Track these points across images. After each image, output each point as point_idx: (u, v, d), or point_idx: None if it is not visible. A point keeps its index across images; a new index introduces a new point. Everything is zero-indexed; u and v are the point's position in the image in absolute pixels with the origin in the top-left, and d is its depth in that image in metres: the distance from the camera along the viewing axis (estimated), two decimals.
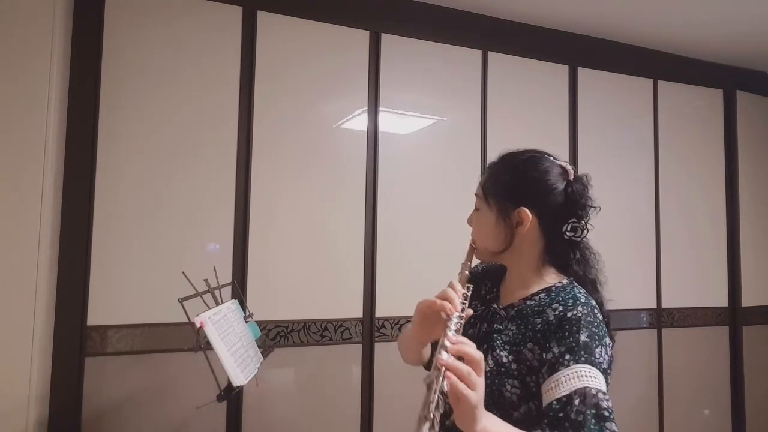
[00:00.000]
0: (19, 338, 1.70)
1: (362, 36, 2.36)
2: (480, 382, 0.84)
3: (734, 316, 3.07)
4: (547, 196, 1.06)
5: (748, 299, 3.07)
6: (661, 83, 2.99)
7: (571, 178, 1.08)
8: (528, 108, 2.67)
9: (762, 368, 3.10)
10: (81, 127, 1.93)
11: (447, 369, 0.82)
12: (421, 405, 0.80)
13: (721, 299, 3.05)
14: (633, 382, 2.81)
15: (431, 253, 2.39)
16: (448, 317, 0.93)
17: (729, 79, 3.17)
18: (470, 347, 0.86)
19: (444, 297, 0.97)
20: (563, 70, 2.77)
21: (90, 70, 1.94)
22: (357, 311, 2.28)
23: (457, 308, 0.96)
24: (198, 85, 2.08)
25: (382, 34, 2.38)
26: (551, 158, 1.11)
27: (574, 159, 2.75)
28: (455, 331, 0.91)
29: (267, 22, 2.20)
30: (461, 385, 0.81)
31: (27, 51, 1.76)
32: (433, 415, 0.78)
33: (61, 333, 1.86)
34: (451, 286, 0.99)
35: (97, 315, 1.90)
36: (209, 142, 2.09)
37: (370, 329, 2.30)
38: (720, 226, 3.08)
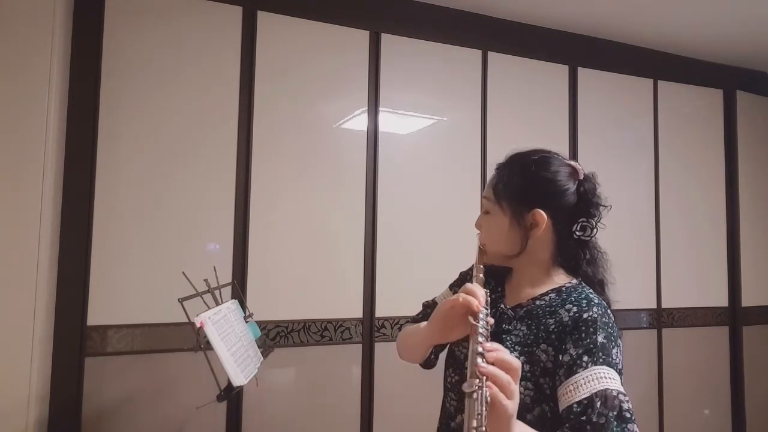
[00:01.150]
0: (19, 338, 1.70)
1: (362, 36, 2.36)
2: (517, 391, 0.82)
3: (734, 316, 3.06)
4: (560, 196, 1.05)
5: (748, 299, 3.07)
6: (661, 83, 2.99)
7: (581, 177, 1.08)
8: (528, 108, 2.67)
9: (762, 368, 3.10)
10: (81, 127, 1.93)
11: (489, 378, 0.79)
12: (466, 416, 0.77)
13: (721, 299, 3.05)
14: (633, 382, 2.81)
15: (431, 253, 2.39)
16: (476, 320, 0.89)
17: (729, 79, 3.17)
18: (507, 354, 0.83)
19: (468, 292, 0.93)
20: (563, 70, 2.77)
21: (90, 70, 1.94)
22: (357, 311, 2.28)
23: (482, 303, 0.92)
24: (198, 85, 2.08)
25: (382, 34, 2.38)
26: (560, 158, 1.10)
27: (574, 159, 2.74)
28: (485, 336, 0.87)
29: (267, 22, 2.20)
30: (501, 395, 0.79)
31: (27, 51, 1.76)
32: (485, 428, 0.75)
33: (61, 333, 1.86)
34: (469, 288, 0.94)
35: (97, 315, 1.90)
36: (209, 142, 2.09)
37: (370, 329, 2.30)
38: (720, 226, 3.08)
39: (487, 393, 0.78)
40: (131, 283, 1.95)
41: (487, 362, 0.81)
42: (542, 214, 1.03)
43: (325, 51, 2.29)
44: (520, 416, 0.93)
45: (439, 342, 1.07)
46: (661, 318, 2.89)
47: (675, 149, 3.00)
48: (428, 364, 1.23)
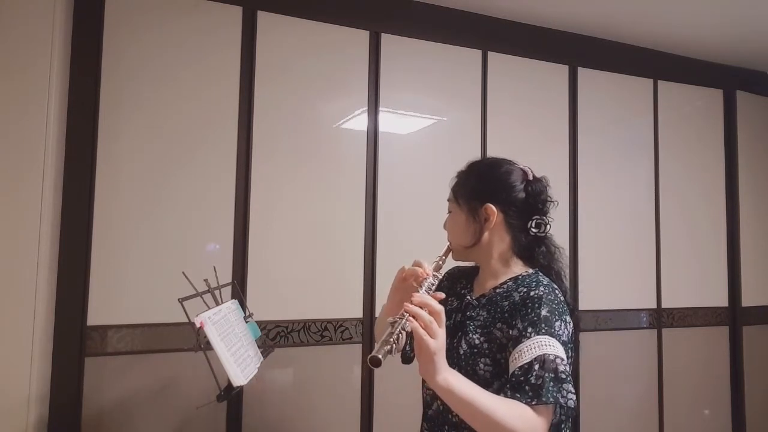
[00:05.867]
0: (19, 338, 1.70)
1: (362, 36, 2.36)
2: (440, 333, 0.95)
3: (734, 316, 3.06)
4: (509, 192, 1.19)
5: (748, 299, 3.07)
6: (661, 83, 2.99)
7: (531, 178, 1.21)
8: (528, 108, 2.66)
9: (762, 368, 3.10)
10: (81, 126, 1.93)
11: (411, 315, 0.94)
12: (384, 335, 0.92)
13: (721, 299, 3.05)
14: (633, 382, 2.81)
15: (431, 253, 2.37)
16: (419, 284, 1.08)
17: (729, 79, 3.17)
18: (430, 299, 0.98)
19: (415, 265, 1.14)
20: (563, 70, 2.77)
21: (90, 70, 1.94)
22: (357, 311, 2.28)
23: (428, 273, 1.11)
24: (198, 85, 2.08)
25: (382, 34, 2.38)
26: (512, 163, 1.24)
27: (574, 159, 2.75)
28: (424, 292, 1.05)
29: (267, 22, 2.20)
30: (421, 331, 0.92)
31: (27, 51, 1.76)
32: (393, 342, 0.91)
33: (61, 333, 1.86)
34: (417, 261, 1.15)
35: (97, 315, 1.90)
36: (209, 142, 2.09)
37: (370, 329, 2.29)
38: (720, 226, 3.08)
39: (408, 325, 0.93)
40: (131, 283, 1.95)
41: (413, 304, 0.96)
42: (492, 208, 1.18)
43: (325, 51, 2.29)
44: None
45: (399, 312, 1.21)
46: (661, 318, 2.89)
47: (675, 149, 3.00)
48: (406, 358, 1.33)
